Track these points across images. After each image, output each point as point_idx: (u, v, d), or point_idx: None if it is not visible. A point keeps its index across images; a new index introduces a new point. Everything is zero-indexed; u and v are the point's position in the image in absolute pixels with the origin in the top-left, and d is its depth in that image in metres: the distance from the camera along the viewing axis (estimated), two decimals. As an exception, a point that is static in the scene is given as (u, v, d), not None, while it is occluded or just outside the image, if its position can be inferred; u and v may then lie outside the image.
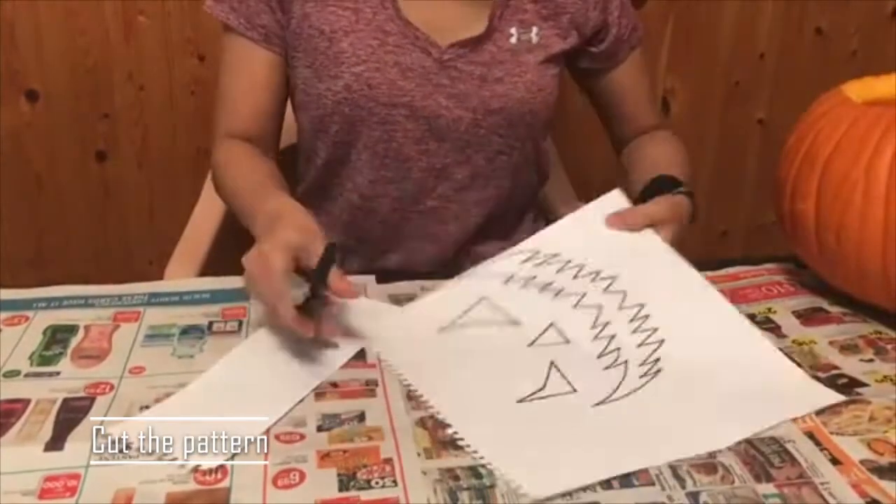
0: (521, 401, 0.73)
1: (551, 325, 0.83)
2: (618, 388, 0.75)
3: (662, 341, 0.80)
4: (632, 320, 0.82)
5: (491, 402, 0.73)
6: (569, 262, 0.87)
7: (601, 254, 0.87)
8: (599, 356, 0.79)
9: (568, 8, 1.03)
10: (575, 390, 0.75)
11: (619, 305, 0.83)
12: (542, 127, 1.09)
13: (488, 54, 1.00)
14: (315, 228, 0.80)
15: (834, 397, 0.74)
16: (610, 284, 0.85)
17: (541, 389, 0.75)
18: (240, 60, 1.03)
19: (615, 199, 0.91)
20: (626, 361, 0.78)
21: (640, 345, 0.80)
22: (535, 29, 1.02)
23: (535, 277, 0.86)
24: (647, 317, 0.82)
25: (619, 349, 0.80)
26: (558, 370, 0.77)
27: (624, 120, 1.15)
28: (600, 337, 0.81)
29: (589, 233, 0.89)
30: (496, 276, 0.88)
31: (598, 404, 0.73)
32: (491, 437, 0.68)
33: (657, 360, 0.78)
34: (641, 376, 0.77)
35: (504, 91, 1.01)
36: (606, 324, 0.82)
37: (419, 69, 0.99)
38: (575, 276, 0.86)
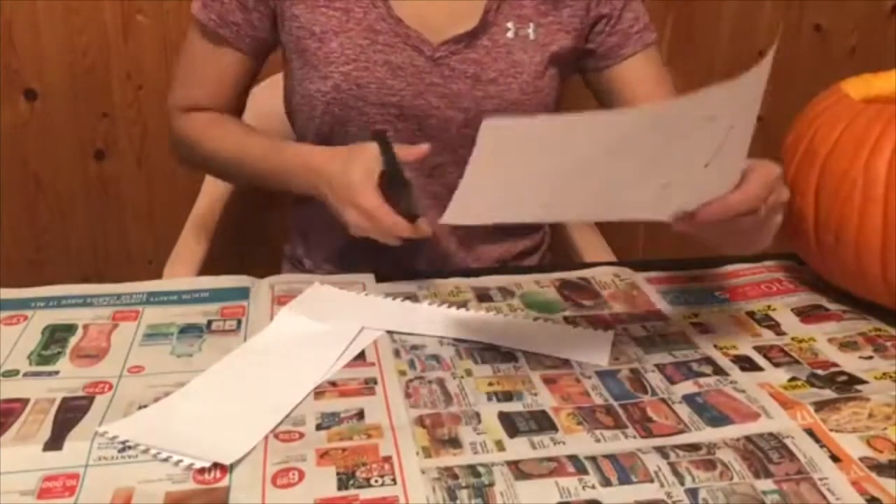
0: None
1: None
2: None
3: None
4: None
5: None
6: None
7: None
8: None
9: (568, 1, 1.03)
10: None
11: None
12: None
13: (483, 50, 1.00)
14: (351, 152, 0.89)
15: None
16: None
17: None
18: (207, 52, 1.04)
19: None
20: None
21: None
22: (532, 25, 1.01)
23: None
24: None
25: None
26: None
27: None
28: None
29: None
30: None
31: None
32: None
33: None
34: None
35: (497, 92, 1.00)
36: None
37: (410, 68, 0.99)
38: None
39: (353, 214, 0.87)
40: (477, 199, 0.73)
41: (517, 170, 0.70)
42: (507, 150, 0.68)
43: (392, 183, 0.86)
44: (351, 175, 0.87)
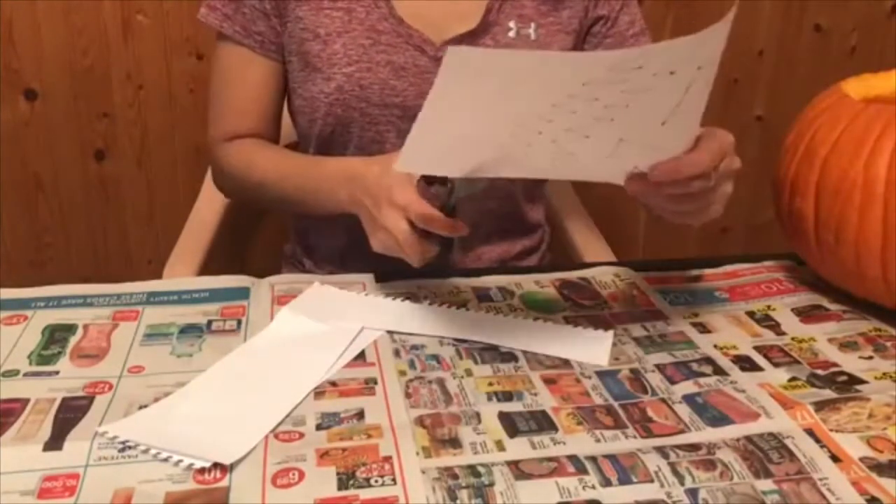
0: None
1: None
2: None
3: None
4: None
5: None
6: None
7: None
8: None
9: (567, 2, 1.03)
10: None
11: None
12: None
13: None
14: (392, 155, 0.84)
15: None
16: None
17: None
18: (238, 68, 1.04)
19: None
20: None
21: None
22: (533, 25, 1.02)
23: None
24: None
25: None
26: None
27: None
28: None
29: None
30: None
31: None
32: None
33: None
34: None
35: None
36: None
37: (413, 68, 0.99)
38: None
39: (388, 214, 0.83)
40: (431, 141, 0.72)
41: (476, 105, 0.70)
42: (470, 79, 0.67)
43: (432, 180, 0.83)
44: (391, 175, 0.85)
